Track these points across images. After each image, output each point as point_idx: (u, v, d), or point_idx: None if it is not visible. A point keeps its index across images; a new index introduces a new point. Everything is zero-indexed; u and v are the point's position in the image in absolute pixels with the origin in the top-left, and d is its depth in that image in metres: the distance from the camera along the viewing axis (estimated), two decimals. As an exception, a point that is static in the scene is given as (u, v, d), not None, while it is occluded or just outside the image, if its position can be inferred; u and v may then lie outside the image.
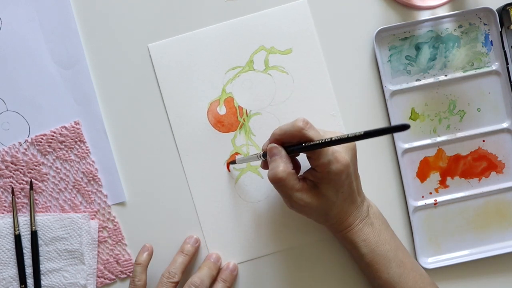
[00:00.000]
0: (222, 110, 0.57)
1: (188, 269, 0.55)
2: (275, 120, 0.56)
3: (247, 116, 0.57)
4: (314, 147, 0.45)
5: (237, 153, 0.56)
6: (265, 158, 0.49)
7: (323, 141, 0.44)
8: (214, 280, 0.54)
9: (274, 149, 0.47)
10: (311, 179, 0.48)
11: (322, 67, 0.57)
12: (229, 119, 0.57)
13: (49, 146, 0.56)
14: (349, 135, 0.40)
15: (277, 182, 0.46)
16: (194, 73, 0.57)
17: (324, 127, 0.56)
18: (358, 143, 0.56)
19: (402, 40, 0.56)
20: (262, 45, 0.57)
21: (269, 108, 0.57)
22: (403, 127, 0.33)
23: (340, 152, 0.46)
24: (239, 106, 0.57)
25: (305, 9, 0.57)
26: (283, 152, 0.47)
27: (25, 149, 0.57)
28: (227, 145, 0.56)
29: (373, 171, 0.56)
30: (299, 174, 0.49)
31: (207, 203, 0.56)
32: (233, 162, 0.55)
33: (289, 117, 0.56)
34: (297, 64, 0.57)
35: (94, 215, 0.56)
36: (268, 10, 0.57)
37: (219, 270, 0.55)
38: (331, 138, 0.43)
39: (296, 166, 0.51)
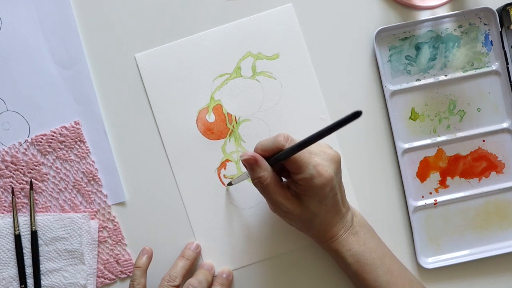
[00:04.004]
0: (211, 118, 0.57)
1: (188, 274, 0.54)
2: (265, 126, 0.56)
3: (236, 123, 0.57)
4: (288, 155, 0.44)
5: (227, 160, 0.56)
6: None
7: (291, 147, 0.43)
8: (210, 285, 0.54)
9: (249, 160, 0.45)
10: (294, 189, 0.47)
11: (309, 71, 0.57)
12: (218, 127, 0.57)
13: (49, 146, 0.56)
14: (315, 134, 0.40)
15: (260, 187, 0.46)
16: (181, 82, 0.56)
17: (314, 131, 0.55)
18: (358, 143, 0.56)
19: (402, 40, 0.56)
20: (249, 51, 0.57)
21: (258, 114, 0.57)
22: (357, 115, 0.34)
23: (323, 165, 0.45)
24: (228, 113, 0.57)
25: (291, 13, 0.57)
26: (259, 158, 0.45)
27: (25, 149, 0.57)
28: (217, 153, 0.56)
29: (373, 171, 0.56)
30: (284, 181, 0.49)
31: (199, 210, 0.56)
32: (230, 184, 0.56)
33: (278, 122, 0.56)
34: (284, 69, 0.57)
35: (94, 215, 0.56)
36: (253, 16, 0.57)
37: (213, 278, 0.55)
38: (301, 142, 0.42)
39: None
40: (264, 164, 0.46)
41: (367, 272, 0.49)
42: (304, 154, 0.45)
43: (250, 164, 0.46)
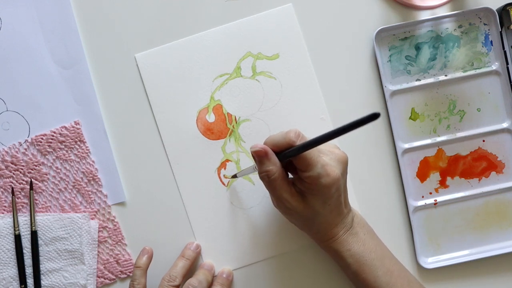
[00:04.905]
0: (211, 118, 0.57)
1: (188, 274, 0.55)
2: (265, 126, 0.56)
3: (236, 123, 0.57)
4: (298, 152, 0.44)
5: (227, 160, 0.56)
6: None
7: (302, 144, 0.43)
8: (210, 285, 0.54)
9: (260, 152, 0.45)
10: (299, 186, 0.47)
11: (309, 71, 0.57)
12: (218, 127, 0.57)
13: (49, 146, 0.56)
14: (328, 132, 0.40)
15: (267, 181, 0.46)
16: (182, 82, 0.56)
17: (314, 130, 0.56)
18: (358, 143, 0.56)
19: (402, 40, 0.56)
20: (249, 51, 0.57)
21: (258, 114, 0.57)
22: (375, 116, 0.35)
23: (330, 165, 0.45)
24: (228, 113, 0.57)
25: (291, 13, 0.57)
26: (269, 151, 0.45)
27: (25, 149, 0.57)
28: (217, 153, 0.56)
29: (373, 171, 0.56)
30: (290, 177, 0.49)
31: (199, 210, 0.56)
32: (235, 176, 0.55)
33: (278, 122, 0.56)
34: (284, 69, 0.57)
35: (94, 215, 0.56)
36: (253, 16, 0.57)
37: (213, 278, 0.55)
38: (313, 139, 0.42)
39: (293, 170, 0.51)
40: (274, 158, 0.45)
41: (366, 272, 0.49)
42: (313, 152, 0.44)
43: (260, 156, 0.45)
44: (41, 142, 0.56)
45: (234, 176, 0.56)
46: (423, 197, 0.56)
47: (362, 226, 0.51)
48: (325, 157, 0.46)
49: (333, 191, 0.46)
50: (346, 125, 0.38)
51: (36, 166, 0.56)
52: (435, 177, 0.56)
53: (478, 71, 0.56)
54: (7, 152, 0.57)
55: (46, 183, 0.56)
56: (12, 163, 0.56)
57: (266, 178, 0.46)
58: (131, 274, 0.56)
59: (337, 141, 0.56)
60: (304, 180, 0.46)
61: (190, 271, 0.55)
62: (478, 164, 0.57)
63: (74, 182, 0.56)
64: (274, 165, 0.45)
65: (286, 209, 0.48)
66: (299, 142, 0.45)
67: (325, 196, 0.46)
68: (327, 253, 0.52)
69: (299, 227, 0.51)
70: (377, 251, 0.50)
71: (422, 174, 0.56)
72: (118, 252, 0.56)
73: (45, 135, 0.57)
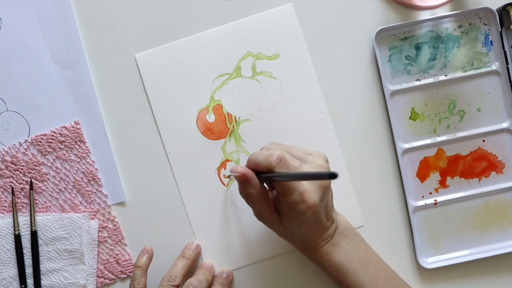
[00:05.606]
0: (211, 118, 0.57)
1: (188, 274, 0.55)
2: (265, 125, 0.56)
3: (236, 123, 0.57)
4: (277, 179, 0.44)
5: (227, 160, 0.56)
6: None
7: (282, 175, 0.44)
8: (210, 285, 0.54)
9: (240, 178, 0.45)
10: (277, 206, 0.47)
11: (309, 71, 0.57)
12: (218, 127, 0.57)
13: (49, 146, 0.56)
14: (302, 173, 0.44)
15: (246, 200, 0.47)
16: (182, 82, 0.56)
17: (314, 131, 0.56)
18: (358, 143, 0.56)
19: (402, 40, 0.56)
20: (249, 51, 0.57)
21: (258, 114, 0.57)
22: (333, 176, 0.36)
23: (308, 192, 0.44)
24: (228, 113, 0.57)
25: (291, 13, 0.57)
26: (249, 176, 0.45)
27: (25, 149, 0.57)
28: (217, 153, 0.56)
29: (373, 171, 0.56)
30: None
31: (199, 210, 0.56)
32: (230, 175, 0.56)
33: (278, 122, 0.56)
34: (284, 69, 0.57)
35: (94, 215, 0.56)
36: (253, 16, 0.57)
37: (213, 278, 0.55)
38: (295, 174, 0.44)
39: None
40: (254, 182, 0.45)
41: (349, 281, 0.49)
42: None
43: (241, 181, 0.46)
44: (41, 142, 0.56)
45: (229, 176, 0.56)
46: (423, 197, 0.56)
47: (345, 236, 0.50)
48: (305, 182, 0.45)
49: (309, 215, 0.45)
50: (309, 174, 0.43)
51: (36, 166, 0.56)
52: (435, 177, 0.56)
53: (478, 71, 0.56)
54: (7, 152, 0.57)
55: (46, 183, 0.56)
56: (12, 163, 0.56)
57: (245, 198, 0.47)
58: (131, 274, 0.56)
59: (337, 142, 0.56)
60: (281, 202, 0.46)
61: (190, 271, 0.55)
62: (478, 164, 0.57)
63: (74, 182, 0.56)
64: (253, 188, 0.45)
65: (265, 222, 0.48)
66: (279, 167, 0.44)
67: (300, 220, 0.46)
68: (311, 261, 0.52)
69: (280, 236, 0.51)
70: (361, 259, 0.50)
71: (422, 174, 0.56)
72: (118, 252, 0.56)
73: (45, 135, 0.57)
